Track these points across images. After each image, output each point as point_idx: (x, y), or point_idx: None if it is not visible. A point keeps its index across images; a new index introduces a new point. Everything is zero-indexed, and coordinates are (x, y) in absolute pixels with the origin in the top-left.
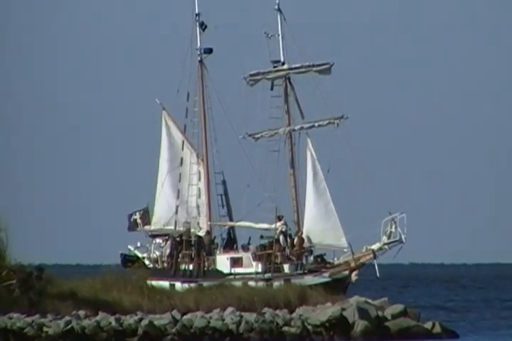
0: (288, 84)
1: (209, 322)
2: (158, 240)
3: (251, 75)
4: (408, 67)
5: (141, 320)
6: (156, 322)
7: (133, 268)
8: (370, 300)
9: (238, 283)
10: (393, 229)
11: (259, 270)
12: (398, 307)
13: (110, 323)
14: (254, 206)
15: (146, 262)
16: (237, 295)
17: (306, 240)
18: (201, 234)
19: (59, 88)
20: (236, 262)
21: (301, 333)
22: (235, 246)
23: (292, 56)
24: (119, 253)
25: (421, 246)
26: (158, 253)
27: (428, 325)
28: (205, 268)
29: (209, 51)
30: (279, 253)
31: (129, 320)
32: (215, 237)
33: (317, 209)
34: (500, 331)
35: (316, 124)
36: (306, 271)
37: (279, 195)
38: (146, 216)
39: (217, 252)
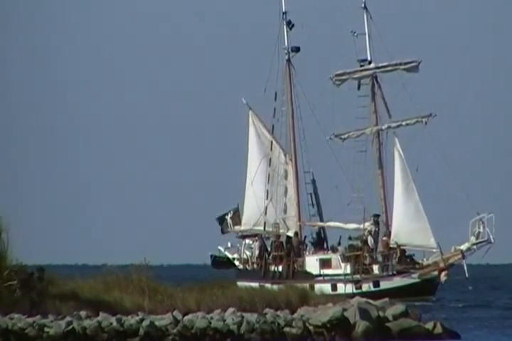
0: (375, 83)
1: (210, 323)
2: (248, 241)
3: (337, 75)
4: (495, 64)
5: (142, 320)
6: (157, 323)
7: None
8: (371, 301)
9: (327, 285)
10: (481, 230)
11: (348, 271)
12: (399, 308)
13: (111, 324)
14: (343, 206)
15: (236, 263)
16: (238, 295)
17: (391, 241)
18: (290, 234)
19: (149, 87)
20: (325, 263)
21: (303, 334)
22: (325, 245)
23: (379, 54)
24: (209, 255)
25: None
26: (248, 253)
27: (429, 326)
28: (295, 270)
29: (296, 50)
30: (367, 255)
31: (130, 320)
32: (305, 237)
33: (406, 209)
34: None
35: (404, 123)
36: (394, 272)
37: (367, 196)
38: (237, 216)
39: (307, 253)
